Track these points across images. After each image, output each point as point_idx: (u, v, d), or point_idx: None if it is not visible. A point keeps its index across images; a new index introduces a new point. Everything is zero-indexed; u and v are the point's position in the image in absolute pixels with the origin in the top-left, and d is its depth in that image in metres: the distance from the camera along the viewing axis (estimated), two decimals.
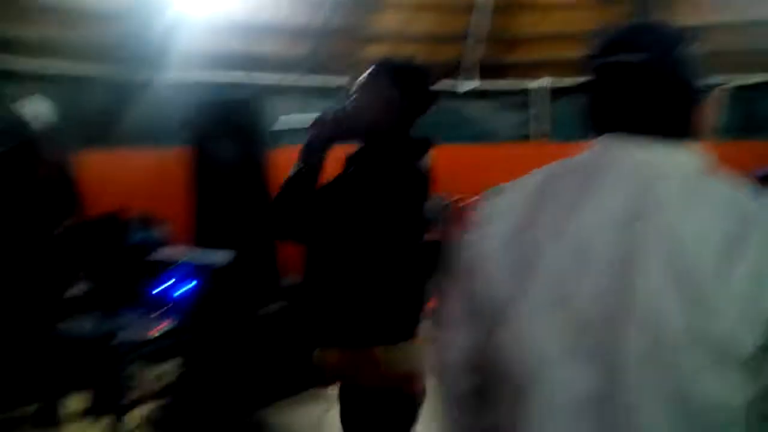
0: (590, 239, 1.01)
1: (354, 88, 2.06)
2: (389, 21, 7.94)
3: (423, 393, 2.01)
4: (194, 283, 3.08)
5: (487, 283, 1.08)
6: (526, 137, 8.44)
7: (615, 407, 0.95)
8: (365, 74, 2.04)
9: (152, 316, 3.07)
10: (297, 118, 2.05)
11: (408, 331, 2.03)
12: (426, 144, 2.10)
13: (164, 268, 3.21)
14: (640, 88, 1.09)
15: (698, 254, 0.95)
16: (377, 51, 8.04)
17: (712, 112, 1.14)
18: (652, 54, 1.08)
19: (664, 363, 0.94)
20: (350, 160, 2.07)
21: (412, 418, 2.02)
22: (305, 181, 1.96)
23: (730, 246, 0.94)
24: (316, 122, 1.97)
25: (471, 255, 1.13)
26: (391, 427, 2.00)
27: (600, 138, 1.14)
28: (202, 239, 4.04)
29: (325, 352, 2.06)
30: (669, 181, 1.03)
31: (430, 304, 1.97)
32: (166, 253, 3.42)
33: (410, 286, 2.05)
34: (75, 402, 4.00)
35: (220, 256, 3.14)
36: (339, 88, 7.67)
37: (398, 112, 2.01)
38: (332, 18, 7.48)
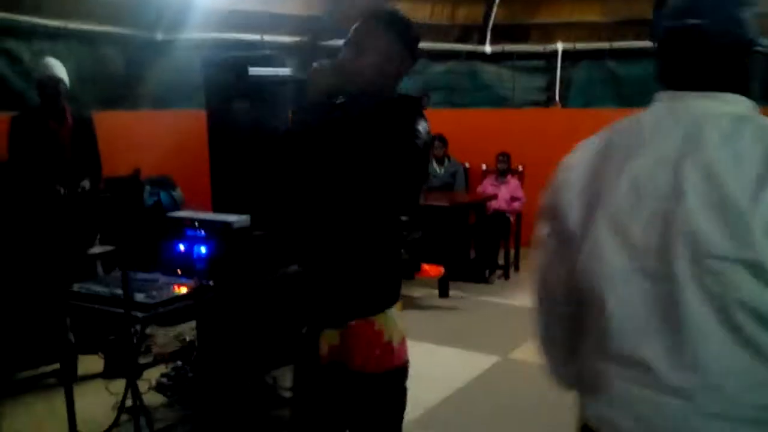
0: (643, 177, 1.20)
1: (346, 39, 1.99)
2: None
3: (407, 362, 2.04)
4: (212, 244, 3.07)
5: (568, 220, 1.32)
6: (544, 102, 8.35)
7: (674, 312, 1.15)
8: (357, 24, 1.98)
9: (169, 277, 3.07)
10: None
11: (395, 296, 2.04)
12: (417, 103, 2.06)
13: (182, 229, 3.20)
14: (702, 49, 1.25)
15: (735, 181, 1.10)
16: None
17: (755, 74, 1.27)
18: (714, 18, 1.24)
19: (710, 272, 1.11)
20: (337, 106, 1.97)
21: (402, 397, 2.05)
22: (305, 137, 1.92)
23: (765, 172, 1.10)
24: (314, 72, 1.91)
25: (555, 199, 1.36)
26: (385, 411, 2.03)
27: (661, 94, 1.32)
28: (219, 202, 4.04)
29: (318, 333, 2.02)
30: (716, 121, 1.18)
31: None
32: (184, 214, 3.41)
33: (397, 249, 2.04)
34: (90, 363, 4.06)
35: (237, 219, 3.12)
36: None
37: (393, 60, 1.95)
38: None
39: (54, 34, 6.02)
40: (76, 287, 2.92)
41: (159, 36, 6.72)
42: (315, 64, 1.92)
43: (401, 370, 2.03)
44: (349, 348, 1.97)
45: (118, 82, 6.65)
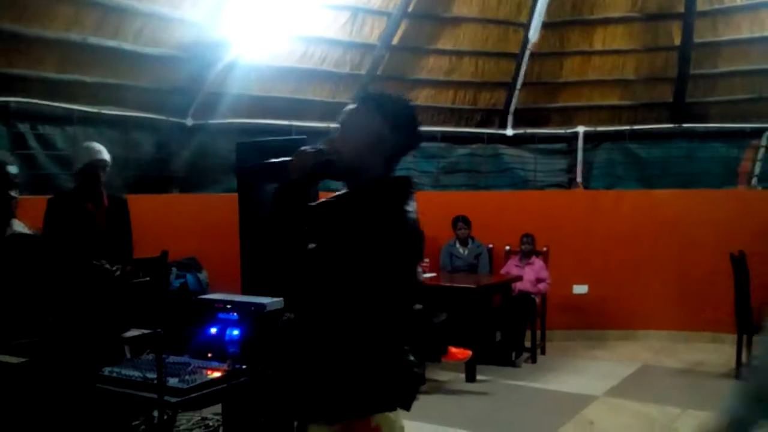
0: None
1: (338, 121, 1.99)
2: (433, 67, 8.03)
3: None
4: (244, 326, 3.06)
5: None
6: (566, 183, 8.39)
7: None
8: (349, 107, 1.99)
9: (200, 360, 3.04)
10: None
11: (404, 398, 1.94)
12: (407, 184, 1.99)
13: (213, 311, 3.19)
14: None
15: None
16: (420, 96, 8.13)
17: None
18: None
19: None
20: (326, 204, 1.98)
21: None
22: (286, 221, 1.88)
23: None
24: (297, 155, 1.89)
25: None
26: None
27: None
28: (249, 284, 4.06)
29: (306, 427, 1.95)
30: None
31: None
32: (216, 296, 3.41)
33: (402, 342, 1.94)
34: None
35: (270, 301, 3.12)
36: None
37: (379, 142, 1.94)
38: (378, 65, 7.58)
39: (87, 120, 6.21)
40: (106, 371, 2.90)
41: (189, 122, 6.91)
42: (301, 148, 1.92)
43: None
44: None
45: (149, 166, 6.80)
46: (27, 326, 2.76)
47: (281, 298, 3.19)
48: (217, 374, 2.86)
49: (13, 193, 2.95)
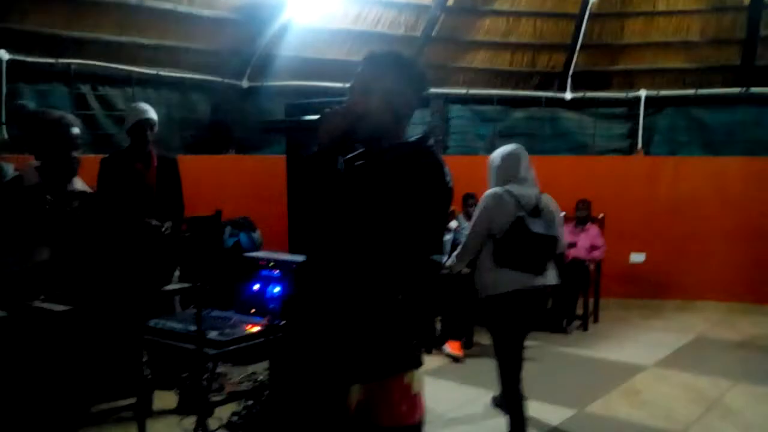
0: None
1: (351, 83, 1.96)
2: (489, 28, 7.88)
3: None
4: (285, 284, 3.11)
5: None
6: (626, 149, 8.18)
7: None
8: (359, 68, 1.95)
9: (243, 316, 3.11)
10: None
11: (419, 354, 1.96)
12: (429, 144, 1.97)
13: (257, 269, 3.25)
14: None
15: None
16: (476, 59, 8.01)
17: None
18: None
19: None
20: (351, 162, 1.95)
21: None
22: (320, 190, 1.88)
23: None
24: (326, 116, 1.87)
25: None
26: None
27: None
28: (296, 244, 4.10)
29: (346, 389, 1.93)
30: None
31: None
32: (259, 254, 3.46)
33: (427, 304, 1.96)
34: (163, 399, 4.13)
35: None
36: (437, 97, 7.68)
37: (399, 106, 1.93)
38: (432, 26, 7.49)
39: (146, 81, 6.35)
40: (152, 323, 2.99)
41: (244, 83, 6.98)
42: (327, 110, 1.89)
43: (419, 425, 1.97)
44: (377, 404, 1.91)
45: (206, 127, 6.92)
46: (76, 277, 2.86)
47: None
48: (255, 329, 2.92)
49: (75, 154, 3.04)
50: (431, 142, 1.99)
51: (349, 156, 1.95)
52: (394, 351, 1.90)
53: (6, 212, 2.96)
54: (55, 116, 3.06)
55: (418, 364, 1.95)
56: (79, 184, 3.18)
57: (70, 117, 3.14)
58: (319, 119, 1.88)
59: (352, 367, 1.91)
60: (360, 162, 1.96)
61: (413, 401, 1.93)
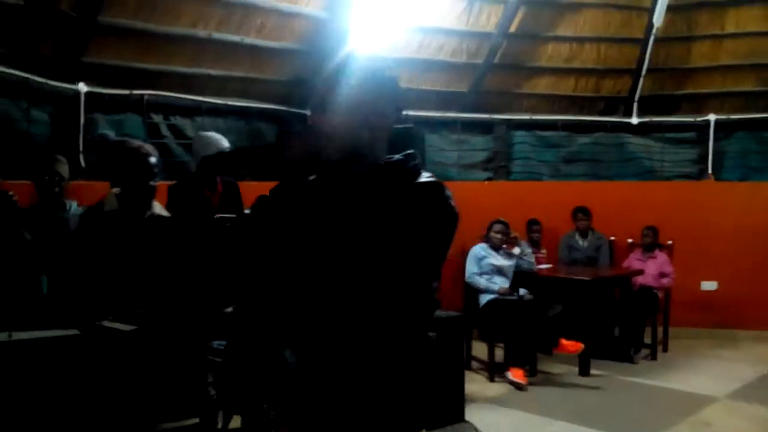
0: None
1: (311, 102, 1.74)
2: (552, 54, 7.86)
3: None
4: None
5: None
6: (695, 174, 7.98)
7: None
8: (326, 77, 1.71)
9: None
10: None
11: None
12: (416, 164, 1.71)
13: None
14: None
15: None
16: (540, 84, 7.98)
17: None
18: None
19: None
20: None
21: None
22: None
23: None
24: (286, 138, 1.66)
25: None
26: None
27: None
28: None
29: None
30: None
31: None
32: None
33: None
34: (230, 420, 4.20)
35: None
36: (500, 123, 7.68)
37: (375, 119, 1.66)
38: (495, 53, 7.51)
39: (214, 111, 6.56)
40: (215, 344, 3.06)
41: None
42: (283, 132, 1.75)
43: None
44: None
45: (270, 154, 7.07)
46: (144, 299, 2.96)
47: None
48: None
49: (152, 183, 3.18)
50: (418, 161, 1.73)
51: (315, 177, 1.68)
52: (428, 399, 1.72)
53: (86, 235, 3.11)
54: (135, 146, 3.21)
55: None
56: (157, 208, 3.31)
57: (148, 146, 3.28)
58: (276, 144, 1.69)
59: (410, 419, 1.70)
60: (334, 183, 1.66)
61: None
